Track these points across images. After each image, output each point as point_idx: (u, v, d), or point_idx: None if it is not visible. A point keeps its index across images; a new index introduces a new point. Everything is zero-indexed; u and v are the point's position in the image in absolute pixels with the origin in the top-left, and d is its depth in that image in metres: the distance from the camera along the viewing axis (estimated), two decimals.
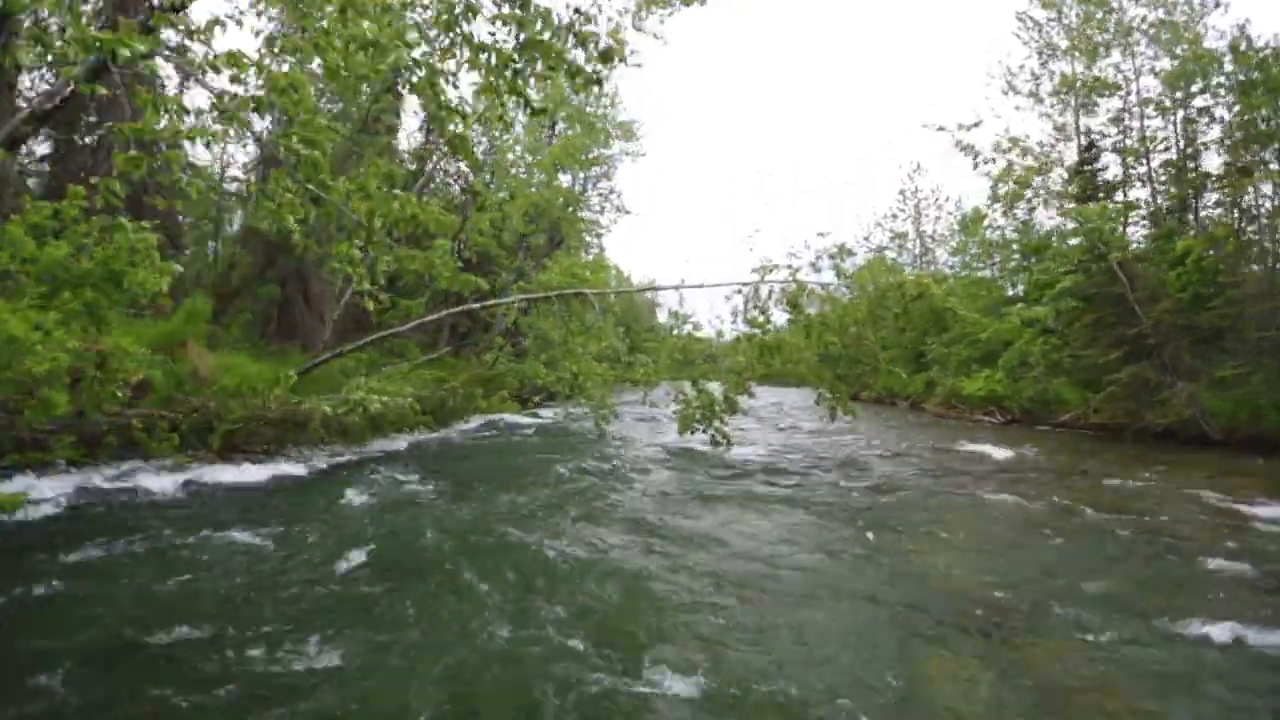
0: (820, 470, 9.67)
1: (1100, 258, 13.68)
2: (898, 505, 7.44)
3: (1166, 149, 20.47)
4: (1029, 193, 17.02)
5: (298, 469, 7.89)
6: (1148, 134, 20.04)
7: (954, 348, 23.78)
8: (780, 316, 11.12)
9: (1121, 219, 13.48)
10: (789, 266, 10.63)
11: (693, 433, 11.42)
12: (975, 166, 16.21)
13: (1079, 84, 20.74)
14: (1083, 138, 17.29)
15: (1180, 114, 19.99)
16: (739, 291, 10.64)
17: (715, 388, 11.49)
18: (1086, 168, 16.71)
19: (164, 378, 8.64)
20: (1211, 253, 13.70)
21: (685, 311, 11.45)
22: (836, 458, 11.07)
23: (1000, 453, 11.79)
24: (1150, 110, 19.20)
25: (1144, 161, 20.04)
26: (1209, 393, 13.30)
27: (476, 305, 12.42)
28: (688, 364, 11.12)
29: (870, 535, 5.98)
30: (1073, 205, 13.44)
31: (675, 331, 11.37)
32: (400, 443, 10.43)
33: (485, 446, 11.47)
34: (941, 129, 18.24)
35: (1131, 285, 13.50)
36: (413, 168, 18.74)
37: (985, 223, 24.59)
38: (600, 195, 33.94)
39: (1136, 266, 13.56)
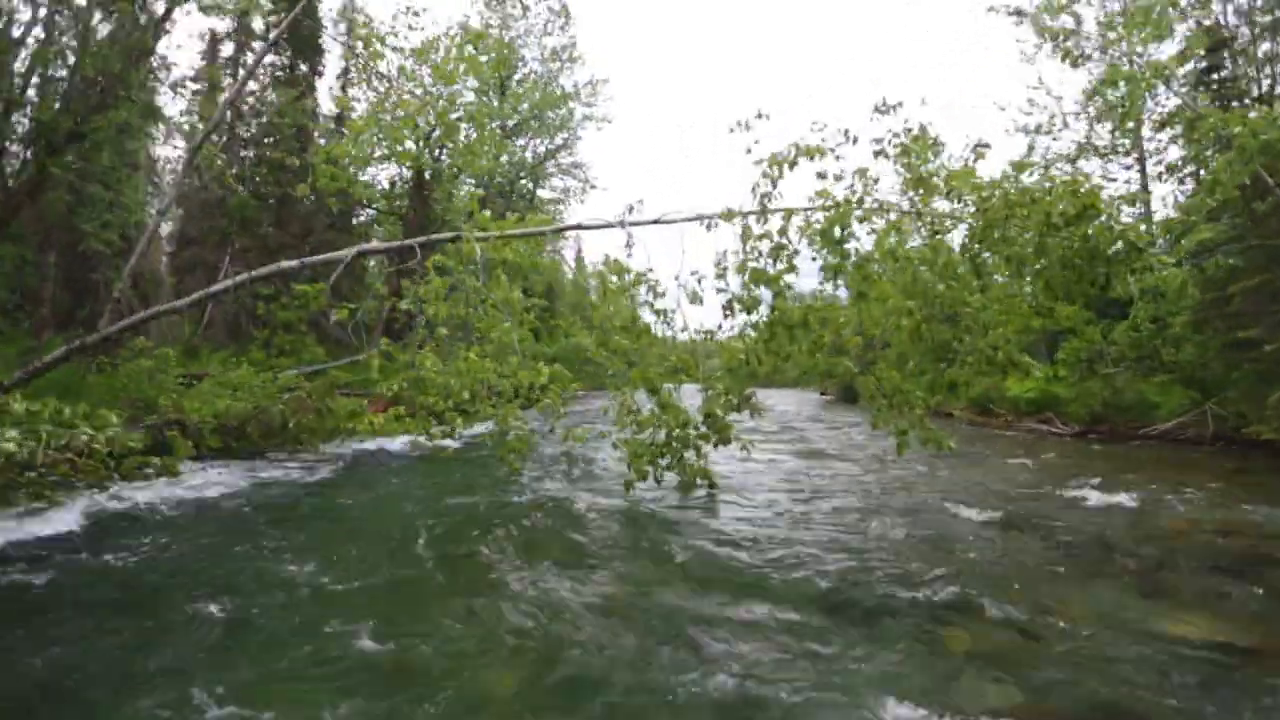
0: (899, 581, 4.75)
1: (1266, 192, 9.07)
2: None
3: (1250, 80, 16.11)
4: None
5: None
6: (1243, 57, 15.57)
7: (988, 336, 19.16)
8: (803, 267, 6.18)
9: None
10: (815, 153, 5.71)
11: (659, 480, 6.47)
12: (1075, 64, 11.58)
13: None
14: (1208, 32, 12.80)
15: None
16: (737, 216, 5.67)
17: (689, 392, 6.62)
18: (1214, 74, 12.16)
19: None
20: None
21: (642, 269, 6.41)
22: (906, 526, 6.17)
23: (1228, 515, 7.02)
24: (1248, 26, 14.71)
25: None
26: None
27: (294, 264, 7.34)
28: (639, 358, 6.02)
29: None
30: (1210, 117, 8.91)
31: (620, 299, 6.24)
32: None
33: (272, 506, 6.40)
34: (1017, 12, 13.49)
35: None
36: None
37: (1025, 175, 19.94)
38: (559, 168, 29.13)
39: None
